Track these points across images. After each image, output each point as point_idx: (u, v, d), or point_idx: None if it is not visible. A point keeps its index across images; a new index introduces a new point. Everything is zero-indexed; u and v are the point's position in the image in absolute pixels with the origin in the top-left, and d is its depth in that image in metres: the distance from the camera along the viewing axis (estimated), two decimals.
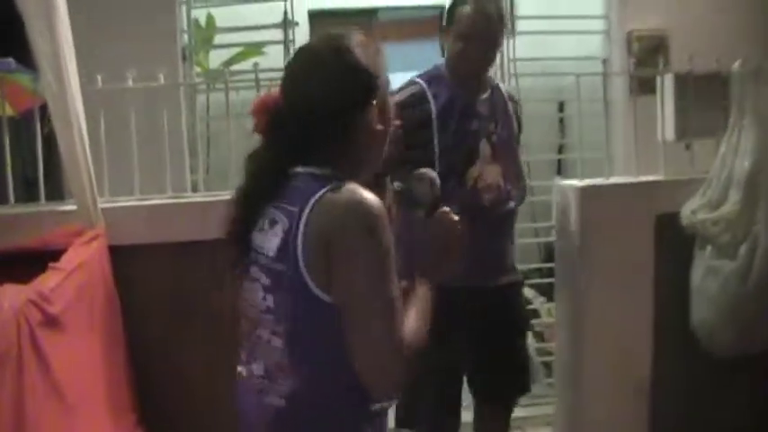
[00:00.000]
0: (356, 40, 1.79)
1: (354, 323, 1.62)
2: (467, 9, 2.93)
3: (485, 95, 3.02)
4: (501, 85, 3.17)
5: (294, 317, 1.68)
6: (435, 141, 2.91)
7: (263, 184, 1.74)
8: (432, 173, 2.02)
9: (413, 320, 1.69)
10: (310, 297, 1.64)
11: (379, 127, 1.77)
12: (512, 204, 3.03)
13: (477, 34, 2.91)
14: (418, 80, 3.04)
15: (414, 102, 2.95)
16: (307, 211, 1.64)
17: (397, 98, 2.81)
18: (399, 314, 1.63)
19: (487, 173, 2.94)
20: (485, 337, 3.04)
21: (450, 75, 3.03)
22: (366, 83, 1.75)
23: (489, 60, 3.03)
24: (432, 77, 3.04)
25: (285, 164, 1.74)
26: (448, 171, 2.81)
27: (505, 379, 3.13)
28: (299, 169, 1.73)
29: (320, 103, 1.72)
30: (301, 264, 1.63)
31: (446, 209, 1.89)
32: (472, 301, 2.92)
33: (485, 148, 2.95)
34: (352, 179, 1.69)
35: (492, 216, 2.95)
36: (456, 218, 1.86)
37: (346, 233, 1.62)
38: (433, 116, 2.93)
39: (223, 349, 2.12)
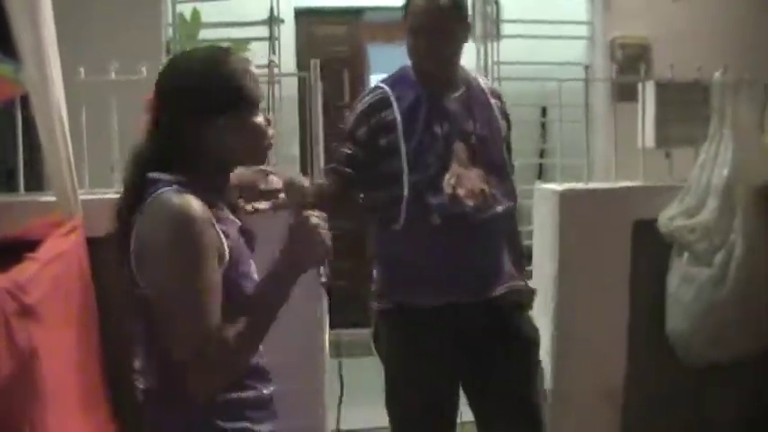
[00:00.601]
0: (236, 57, 1.80)
1: (162, 319, 1.67)
2: (418, 0, 2.68)
3: (457, 93, 2.73)
4: (482, 80, 2.88)
5: (137, 314, 1.75)
6: (402, 148, 2.65)
7: (128, 191, 1.79)
8: (297, 178, 2.01)
9: (243, 321, 1.65)
10: (140, 296, 1.71)
11: (239, 140, 1.76)
12: (499, 209, 2.69)
13: (427, 27, 2.64)
14: (381, 84, 2.77)
15: (376, 108, 2.70)
16: (138, 216, 1.70)
17: (359, 107, 2.73)
18: (207, 310, 1.62)
19: (466, 177, 2.67)
20: (486, 364, 2.73)
21: (415, 74, 2.75)
22: (224, 93, 1.74)
23: (446, 54, 2.71)
24: (396, 80, 2.78)
25: (148, 168, 1.75)
26: (421, 179, 2.63)
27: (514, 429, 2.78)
28: (153, 175, 1.73)
29: (176, 105, 1.75)
30: (133, 264, 1.71)
31: (309, 214, 1.74)
32: (465, 318, 2.67)
33: (460, 150, 2.67)
34: (213, 185, 1.76)
35: (477, 223, 2.66)
36: (316, 223, 1.72)
37: (152, 234, 1.67)
38: (398, 121, 2.67)
39: None
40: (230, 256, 1.70)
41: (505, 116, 2.83)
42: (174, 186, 1.68)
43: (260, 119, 1.78)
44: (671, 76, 3.55)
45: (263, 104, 1.83)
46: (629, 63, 4.49)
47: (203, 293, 1.63)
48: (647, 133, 3.60)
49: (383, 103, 2.70)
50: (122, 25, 4.11)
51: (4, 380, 2.21)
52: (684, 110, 3.54)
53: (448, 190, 2.64)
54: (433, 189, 2.63)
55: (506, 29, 5.01)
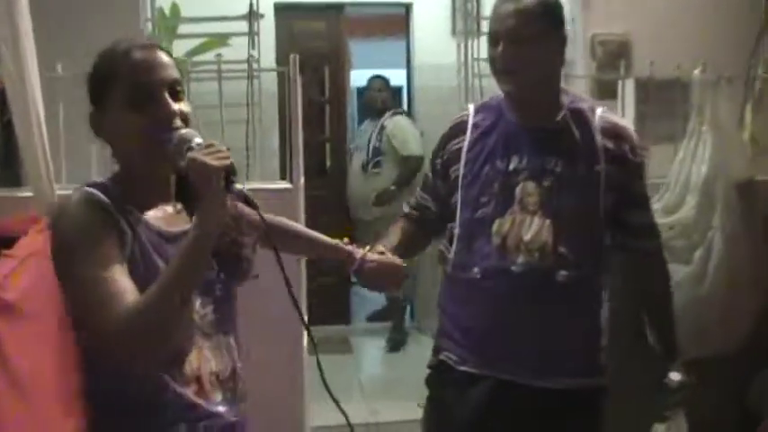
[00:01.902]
0: (121, 44, 1.71)
1: (79, 310, 1.72)
2: (498, 1, 2.24)
3: (546, 122, 2.23)
4: (599, 113, 2.27)
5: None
6: (459, 182, 2.25)
7: None
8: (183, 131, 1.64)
9: (155, 283, 1.55)
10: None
11: (131, 117, 1.64)
12: (561, 273, 2.15)
13: (504, 33, 2.17)
14: (470, 106, 2.40)
15: (453, 134, 2.33)
16: None
17: (443, 132, 2.40)
18: (107, 293, 1.57)
19: (525, 226, 2.17)
20: None
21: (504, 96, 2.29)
22: (97, 78, 1.70)
23: (528, 70, 2.17)
24: (488, 102, 2.37)
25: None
26: (470, 221, 2.23)
27: None
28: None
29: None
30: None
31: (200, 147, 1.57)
32: (504, 400, 2.21)
33: (528, 192, 2.18)
34: (138, 182, 1.68)
35: (527, 285, 2.16)
36: (198, 153, 1.55)
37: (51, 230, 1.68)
38: (463, 150, 2.27)
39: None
40: (134, 257, 1.62)
41: (623, 162, 2.23)
42: (83, 188, 1.66)
43: (137, 112, 1.63)
44: (650, 73, 3.56)
45: (180, 89, 1.69)
46: (609, 60, 4.49)
47: (101, 274, 1.58)
48: None
49: (460, 128, 2.33)
50: (101, 20, 4.06)
51: None
52: (664, 107, 3.56)
53: (496, 239, 2.18)
54: (483, 235, 2.20)
55: (486, 26, 5.01)
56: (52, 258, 1.69)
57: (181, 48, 5.25)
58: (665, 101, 3.55)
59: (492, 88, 4.65)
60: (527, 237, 2.16)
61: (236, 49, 4.53)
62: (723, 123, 3.38)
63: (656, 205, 3.40)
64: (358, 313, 6.75)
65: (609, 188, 2.19)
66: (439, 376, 2.34)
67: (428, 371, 2.39)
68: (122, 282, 1.57)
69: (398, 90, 7.48)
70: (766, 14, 4.13)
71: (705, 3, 4.70)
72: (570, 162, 2.18)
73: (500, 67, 2.20)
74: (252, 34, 4.55)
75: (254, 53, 4.20)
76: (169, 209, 1.73)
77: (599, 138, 2.21)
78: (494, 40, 2.20)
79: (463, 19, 5.13)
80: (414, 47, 6.79)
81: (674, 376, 2.37)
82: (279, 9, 6.28)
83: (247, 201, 1.63)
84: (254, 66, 3.94)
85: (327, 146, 6.83)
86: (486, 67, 4.69)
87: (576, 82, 4.25)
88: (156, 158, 1.63)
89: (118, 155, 1.71)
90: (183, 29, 5.20)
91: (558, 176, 2.17)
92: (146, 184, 1.70)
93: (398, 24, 7.37)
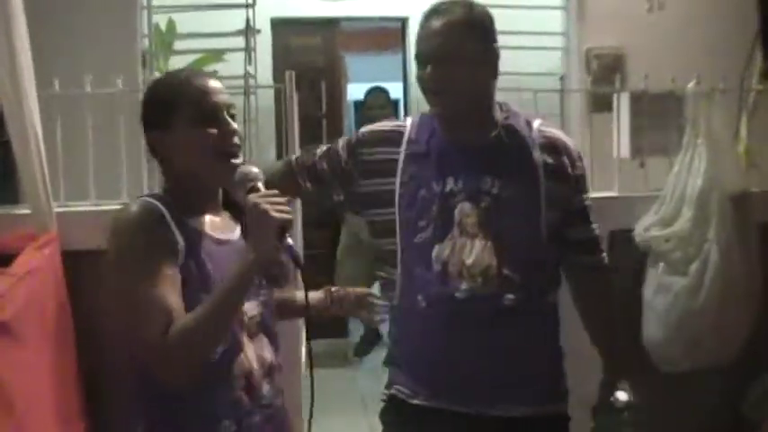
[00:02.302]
0: (183, 71, 1.98)
1: (124, 322, 1.75)
2: (423, 20, 2.15)
3: (481, 141, 2.12)
4: (536, 126, 2.17)
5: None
6: (396, 206, 2.12)
7: None
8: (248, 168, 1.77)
9: (200, 308, 1.69)
10: None
11: (197, 139, 1.81)
12: (508, 297, 2.04)
13: (432, 53, 2.08)
14: (407, 119, 2.26)
15: (388, 139, 2.19)
16: None
17: (376, 126, 2.28)
18: (153, 310, 1.66)
19: (467, 250, 2.05)
20: None
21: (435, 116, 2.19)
22: (162, 103, 1.84)
23: (459, 88, 2.07)
24: (424, 117, 2.21)
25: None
26: (409, 248, 2.10)
27: None
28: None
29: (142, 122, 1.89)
30: None
31: (252, 196, 1.70)
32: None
33: (465, 215, 2.07)
34: (192, 194, 1.84)
35: (478, 313, 2.04)
36: (261, 199, 1.68)
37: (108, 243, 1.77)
38: (398, 167, 2.13)
39: None
40: (188, 265, 1.75)
41: (563, 177, 2.14)
42: (141, 198, 1.82)
43: (212, 129, 1.80)
44: (645, 86, 3.58)
45: (234, 113, 1.86)
46: (604, 73, 4.51)
47: (149, 289, 1.67)
48: (622, 143, 3.63)
49: (394, 138, 2.19)
50: (97, 36, 4.08)
51: None
52: (659, 120, 3.57)
53: (437, 265, 2.06)
54: (423, 261, 2.07)
55: None
56: (108, 264, 1.75)
57: (177, 63, 5.27)
58: (659, 114, 3.56)
59: None
60: (469, 261, 2.04)
61: (233, 64, 4.54)
62: (718, 136, 3.39)
63: (653, 218, 3.41)
64: (355, 327, 6.75)
65: (550, 205, 2.10)
66: (392, 411, 2.22)
67: (382, 404, 2.27)
68: (170, 299, 1.68)
69: (395, 103, 7.50)
70: (759, 27, 4.14)
71: (699, 16, 4.73)
72: (508, 181, 2.08)
73: (429, 88, 2.10)
74: (248, 50, 4.56)
75: (251, 69, 4.21)
76: (217, 217, 1.89)
77: (537, 153, 2.12)
78: (421, 60, 2.11)
79: None
80: (410, 60, 6.81)
81: (621, 395, 2.21)
82: (275, 24, 6.30)
83: (296, 260, 1.73)
84: (251, 82, 3.95)
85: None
86: None
87: (572, 95, 4.27)
88: (219, 170, 1.81)
89: (179, 169, 1.84)
90: (180, 45, 5.21)
91: (495, 197, 2.07)
92: (198, 195, 1.86)
93: (394, 38, 7.40)
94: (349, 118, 8.37)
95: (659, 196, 3.44)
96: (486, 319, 2.04)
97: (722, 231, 3.29)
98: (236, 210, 1.87)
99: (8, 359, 2.35)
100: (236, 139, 1.83)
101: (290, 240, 1.69)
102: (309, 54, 6.66)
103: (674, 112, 3.54)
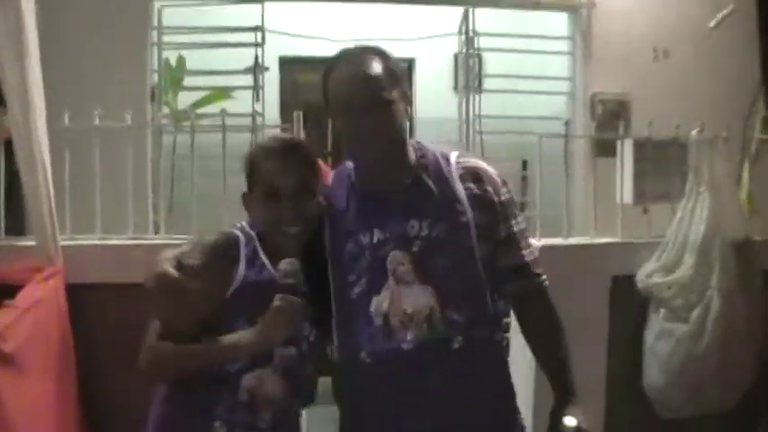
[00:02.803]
0: (264, 148, 2.14)
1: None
2: (335, 74, 2.07)
3: (400, 186, 2.05)
4: (453, 159, 2.11)
5: None
6: (329, 264, 2.05)
7: None
8: (293, 264, 1.94)
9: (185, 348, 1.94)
10: None
11: (255, 214, 2.08)
12: (457, 340, 1.96)
13: (355, 105, 2.00)
14: (331, 179, 2.18)
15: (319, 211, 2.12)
16: None
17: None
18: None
19: (405, 297, 1.96)
20: None
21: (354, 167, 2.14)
22: (247, 170, 2.10)
23: (385, 138, 2.00)
24: (336, 175, 2.17)
25: None
26: (344, 306, 2.02)
27: None
28: None
29: None
30: None
31: (291, 299, 1.93)
32: None
33: (398, 263, 1.98)
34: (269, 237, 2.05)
35: (428, 361, 1.96)
36: (295, 308, 1.93)
37: None
38: (326, 228, 2.08)
39: None
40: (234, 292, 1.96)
41: (488, 204, 2.07)
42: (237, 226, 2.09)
43: (274, 206, 2.01)
44: (649, 133, 3.60)
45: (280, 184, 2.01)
46: (609, 118, 4.55)
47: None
48: (625, 189, 3.64)
49: (322, 206, 2.11)
50: (108, 71, 4.13)
51: None
52: (662, 166, 3.58)
53: (378, 319, 1.96)
54: (362, 316, 1.98)
55: (488, 83, 5.08)
56: None
57: (186, 99, 5.32)
58: (663, 160, 3.58)
59: (493, 144, 4.73)
60: (410, 310, 1.94)
61: (240, 101, 4.59)
62: (720, 183, 3.41)
63: (655, 264, 3.42)
64: None
65: (480, 236, 2.02)
66: None
67: None
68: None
69: None
70: (762, 76, 4.18)
71: (703, 65, 4.78)
72: (434, 220, 2.00)
73: (354, 139, 2.02)
74: (257, 88, 4.61)
75: (258, 107, 4.25)
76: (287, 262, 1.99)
77: (458, 185, 2.04)
78: (342, 110, 2.02)
79: (465, 75, 5.19)
80: (416, 100, 6.86)
81: (569, 421, 2.06)
82: (283, 63, 6.37)
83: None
84: (258, 120, 3.98)
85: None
86: (487, 123, 4.79)
87: (576, 140, 4.30)
88: (275, 238, 2.03)
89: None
90: (189, 81, 5.27)
91: (425, 239, 1.98)
92: (273, 246, 2.04)
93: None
94: None
95: (661, 242, 3.45)
96: (435, 366, 1.95)
97: (724, 278, 3.29)
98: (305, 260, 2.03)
99: (11, 389, 2.36)
100: (290, 217, 2.01)
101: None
102: (317, 91, 6.67)
103: (677, 159, 3.56)
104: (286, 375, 2.00)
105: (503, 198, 2.09)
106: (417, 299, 1.95)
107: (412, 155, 2.08)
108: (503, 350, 2.16)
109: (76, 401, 2.91)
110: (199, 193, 3.30)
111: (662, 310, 3.39)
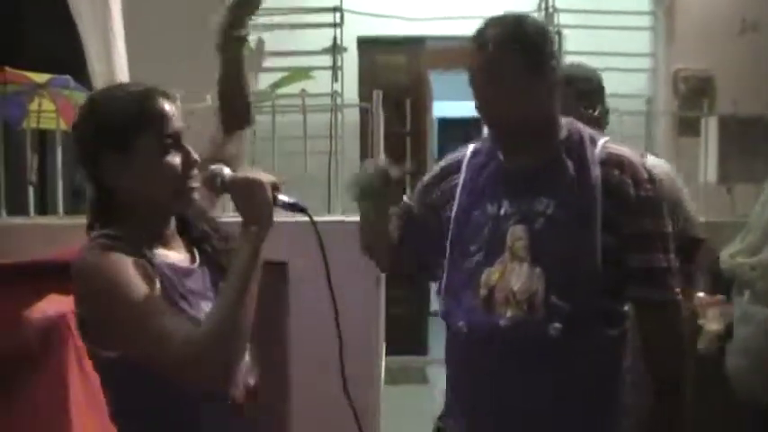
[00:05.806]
0: (134, 89, 1.69)
1: (137, 352, 1.56)
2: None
3: (536, 159, 1.97)
4: (601, 141, 1.97)
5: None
6: (450, 225, 2.02)
7: None
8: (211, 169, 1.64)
9: (221, 300, 1.56)
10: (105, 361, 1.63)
11: (160, 168, 1.63)
12: (554, 327, 1.85)
13: (477, 67, 1.93)
14: (469, 145, 2.13)
15: (444, 173, 2.11)
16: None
17: (439, 164, 2.18)
18: (168, 324, 1.51)
19: (515, 277, 1.90)
20: None
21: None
22: (121, 123, 1.61)
23: (504, 104, 1.93)
24: (484, 140, 2.11)
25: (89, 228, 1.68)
26: (457, 273, 1.98)
27: None
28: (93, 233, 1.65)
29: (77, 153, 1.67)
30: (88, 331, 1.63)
31: (214, 168, 1.61)
32: None
33: (516, 238, 1.92)
34: (145, 222, 1.65)
35: (522, 342, 1.89)
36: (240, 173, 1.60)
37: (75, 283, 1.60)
38: (457, 192, 2.03)
39: None
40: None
41: (622, 196, 1.91)
42: (96, 241, 1.60)
43: (171, 158, 1.63)
44: (734, 110, 3.53)
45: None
46: (692, 96, 4.46)
47: (146, 305, 1.53)
48: (709, 169, 3.58)
49: (455, 166, 2.09)
50: (186, 53, 4.20)
51: (73, 397, 2.30)
52: (747, 145, 3.51)
53: (483, 291, 1.92)
54: (470, 286, 1.94)
55: (568, 60, 5.02)
56: (85, 313, 1.60)
57: (265, 80, 5.39)
58: (748, 139, 3.50)
59: None
60: (516, 287, 1.88)
61: (319, 82, 4.63)
62: None
63: (739, 245, 3.35)
64: (435, 344, 6.75)
65: (605, 226, 1.89)
66: None
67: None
68: (170, 311, 1.56)
69: (477, 120, 7.51)
70: None
71: None
72: (563, 201, 1.90)
73: (477, 107, 1.96)
74: (335, 68, 4.64)
75: (337, 87, 4.28)
76: (172, 247, 1.72)
77: (596, 170, 1.91)
78: (469, 76, 1.96)
79: None
80: None
81: None
82: (361, 43, 6.38)
83: (298, 209, 1.64)
84: (338, 100, 4.01)
85: (407, 178, 6.86)
86: None
87: (658, 117, 4.23)
88: (178, 203, 1.66)
89: (135, 198, 1.65)
90: (268, 63, 5.33)
91: (549, 218, 1.89)
92: (152, 226, 1.68)
93: None
94: (433, 135, 8.40)
95: (746, 223, 3.38)
96: (530, 354, 1.88)
97: None
98: (189, 237, 1.75)
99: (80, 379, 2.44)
100: (195, 171, 1.66)
101: (283, 197, 1.60)
102: (395, 72, 6.71)
103: (763, 138, 3.48)
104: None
105: (642, 193, 1.91)
106: (525, 278, 1.88)
107: (559, 130, 1.98)
108: (610, 353, 1.96)
109: None
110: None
111: (746, 293, 3.32)
